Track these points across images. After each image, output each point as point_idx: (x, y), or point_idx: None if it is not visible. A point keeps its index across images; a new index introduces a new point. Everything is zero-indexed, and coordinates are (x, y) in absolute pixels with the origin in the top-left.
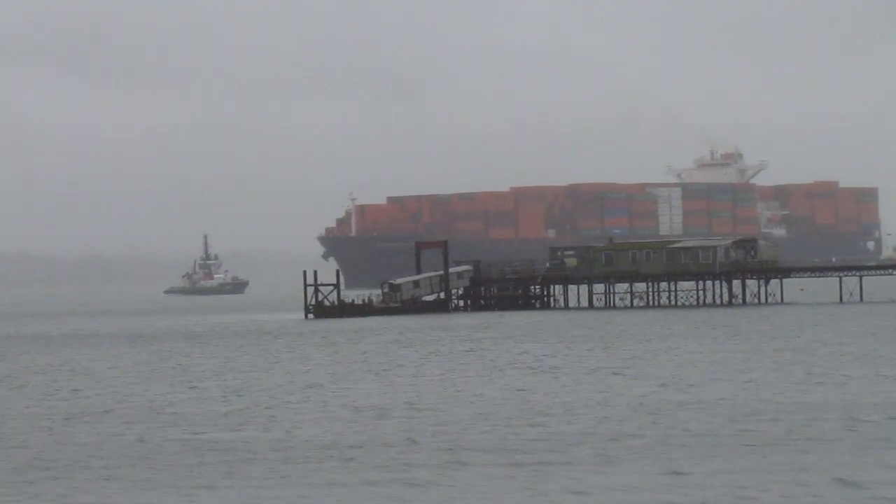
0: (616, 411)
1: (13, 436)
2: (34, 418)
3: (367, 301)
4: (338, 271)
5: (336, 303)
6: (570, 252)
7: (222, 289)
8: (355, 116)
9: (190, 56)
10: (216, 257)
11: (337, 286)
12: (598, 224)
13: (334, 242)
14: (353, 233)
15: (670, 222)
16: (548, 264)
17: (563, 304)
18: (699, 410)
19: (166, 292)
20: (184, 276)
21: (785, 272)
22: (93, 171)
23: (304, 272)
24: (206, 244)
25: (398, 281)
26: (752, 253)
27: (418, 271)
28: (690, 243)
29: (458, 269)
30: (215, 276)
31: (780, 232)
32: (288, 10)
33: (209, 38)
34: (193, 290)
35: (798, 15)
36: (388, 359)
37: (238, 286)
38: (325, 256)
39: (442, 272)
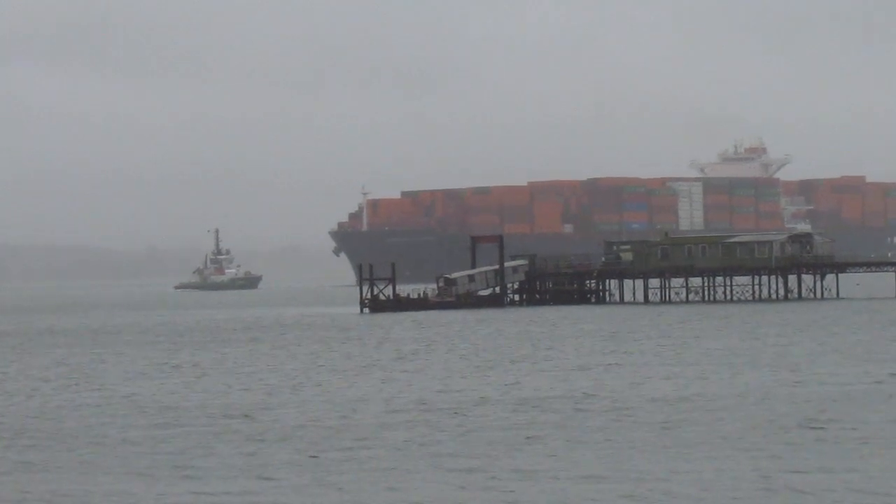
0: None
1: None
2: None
3: (422, 295)
4: (393, 265)
5: (391, 297)
6: (626, 246)
7: (234, 284)
8: (370, 110)
9: (203, 48)
10: (228, 252)
11: (392, 280)
12: (615, 219)
13: (345, 237)
14: (365, 227)
15: (691, 217)
16: (603, 259)
17: (618, 299)
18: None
19: (177, 287)
20: (195, 272)
21: (841, 267)
22: (135, 165)
23: (360, 266)
24: (217, 239)
25: (454, 275)
26: (808, 248)
27: (473, 266)
28: (746, 238)
29: (514, 263)
30: (227, 270)
31: (804, 227)
32: (303, 2)
33: (223, 31)
34: (204, 285)
35: (823, 5)
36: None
37: (251, 281)
38: (337, 252)
39: (497, 266)
